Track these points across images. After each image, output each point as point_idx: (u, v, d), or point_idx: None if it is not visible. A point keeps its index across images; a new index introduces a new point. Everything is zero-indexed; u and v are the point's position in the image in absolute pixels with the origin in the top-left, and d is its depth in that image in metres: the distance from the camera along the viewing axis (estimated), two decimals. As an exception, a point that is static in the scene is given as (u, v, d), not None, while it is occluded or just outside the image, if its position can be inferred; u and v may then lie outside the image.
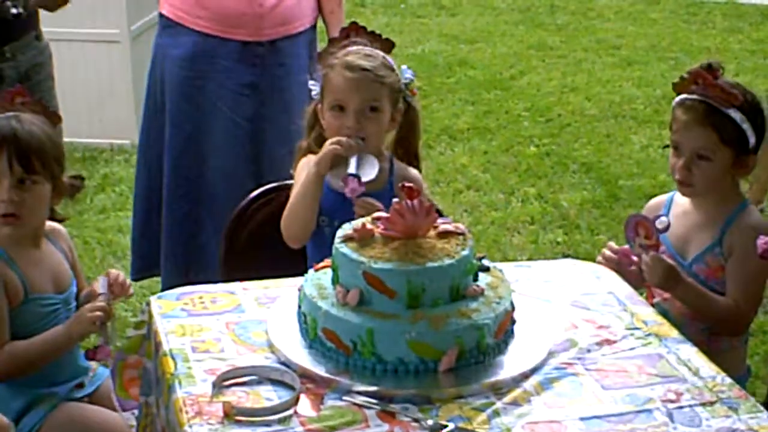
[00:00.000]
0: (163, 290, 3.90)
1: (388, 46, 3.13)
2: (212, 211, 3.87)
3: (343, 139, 2.96)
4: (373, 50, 3.08)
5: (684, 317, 2.90)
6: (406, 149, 3.19)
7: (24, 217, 2.86)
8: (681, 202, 3.08)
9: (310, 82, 3.17)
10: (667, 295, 2.95)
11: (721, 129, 2.91)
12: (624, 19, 9.41)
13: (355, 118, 3.00)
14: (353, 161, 2.94)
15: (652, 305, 2.83)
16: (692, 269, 2.96)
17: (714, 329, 2.94)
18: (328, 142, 2.98)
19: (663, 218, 2.86)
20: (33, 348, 2.85)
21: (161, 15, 3.98)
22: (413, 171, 3.15)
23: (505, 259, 4.79)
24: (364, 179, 2.93)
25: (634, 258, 2.88)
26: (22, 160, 2.82)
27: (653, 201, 3.21)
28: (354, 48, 3.07)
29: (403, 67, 3.14)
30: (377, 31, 3.15)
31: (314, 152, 3.05)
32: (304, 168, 3.05)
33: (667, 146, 3.09)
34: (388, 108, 3.05)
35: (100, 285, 2.89)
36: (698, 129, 2.92)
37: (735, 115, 2.90)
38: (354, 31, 3.12)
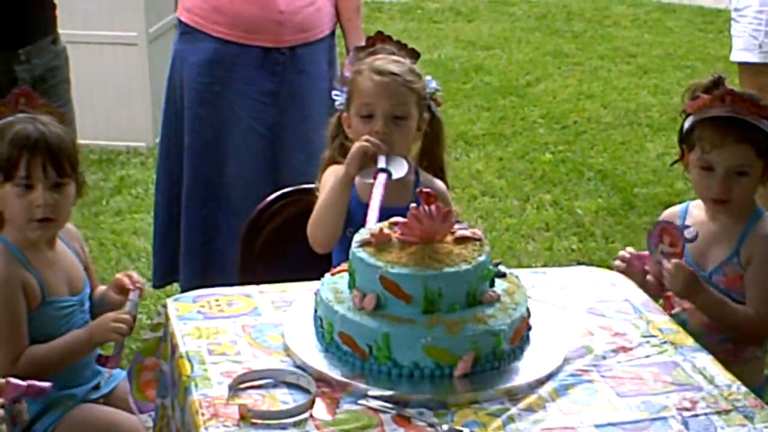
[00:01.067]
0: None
1: (414, 55, 3.13)
2: (230, 216, 3.87)
3: (372, 138, 2.95)
4: (400, 57, 3.08)
5: (703, 328, 2.89)
6: (431, 161, 3.17)
7: (58, 220, 2.89)
8: (696, 213, 3.07)
9: (334, 93, 3.14)
10: (686, 305, 2.93)
11: (755, 142, 2.90)
12: (640, 27, 9.41)
13: (384, 123, 2.99)
14: (382, 159, 2.93)
15: (671, 316, 2.82)
16: (712, 280, 2.95)
17: (736, 339, 2.93)
18: (356, 143, 2.97)
19: (691, 229, 2.86)
20: (53, 353, 2.86)
21: (180, 21, 3.98)
22: (439, 183, 3.14)
23: (520, 266, 4.79)
24: (394, 176, 2.91)
25: (646, 266, 2.88)
26: (55, 164, 2.83)
27: (667, 212, 3.19)
28: (382, 55, 3.07)
29: (428, 77, 3.13)
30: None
31: (338, 162, 3.05)
32: (330, 177, 3.04)
33: (676, 162, 3.08)
34: (415, 115, 3.04)
35: (131, 300, 2.91)
36: (734, 147, 2.90)
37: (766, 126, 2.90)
38: (380, 41, 3.12)
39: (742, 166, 2.91)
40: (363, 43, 3.18)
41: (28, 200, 2.83)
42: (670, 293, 2.99)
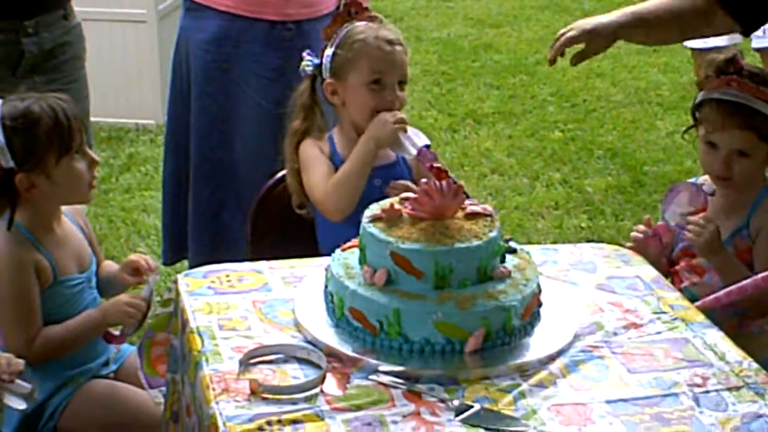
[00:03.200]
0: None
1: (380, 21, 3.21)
2: (237, 192, 3.86)
3: (403, 116, 3.03)
4: (380, 22, 3.16)
5: (712, 301, 2.90)
6: None
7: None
8: (706, 186, 3.07)
9: (305, 60, 3.17)
10: (695, 279, 2.95)
11: (758, 128, 2.91)
12: (650, 5, 9.36)
13: (393, 92, 3.07)
14: (412, 133, 3.02)
15: (680, 290, 2.83)
16: None
17: (744, 312, 2.94)
18: (381, 119, 3.02)
19: (707, 184, 2.87)
20: (68, 334, 2.87)
21: (185, -3, 3.97)
22: (423, 135, 3.21)
23: (530, 244, 4.76)
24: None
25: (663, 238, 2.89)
26: (88, 140, 2.87)
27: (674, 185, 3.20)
28: (374, 24, 3.13)
29: None
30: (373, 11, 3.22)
31: (311, 135, 3.14)
32: (313, 152, 3.11)
33: (687, 130, 3.09)
34: (408, 79, 3.15)
35: (148, 285, 2.92)
36: (736, 131, 2.92)
37: None
38: (354, 7, 3.16)
39: (743, 148, 2.92)
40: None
41: (86, 167, 2.87)
42: (677, 268, 3.00)
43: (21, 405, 2.51)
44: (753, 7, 2.93)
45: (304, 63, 3.17)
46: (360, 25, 3.11)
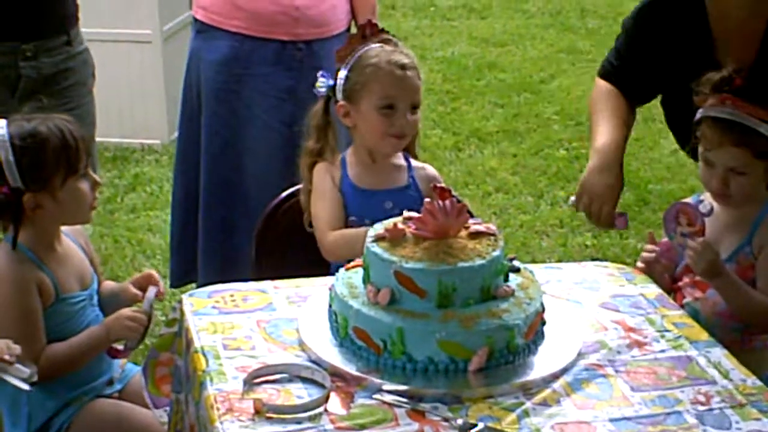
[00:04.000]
0: (198, 291, 3.94)
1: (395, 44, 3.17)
2: (247, 214, 3.87)
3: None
4: (395, 45, 3.13)
5: (716, 317, 2.90)
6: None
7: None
8: (708, 202, 3.07)
9: (319, 81, 3.17)
10: (698, 294, 2.95)
11: (753, 145, 2.91)
12: (654, 23, 9.38)
13: (405, 117, 3.06)
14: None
15: (682, 306, 2.83)
16: None
17: (748, 328, 2.94)
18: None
19: (706, 202, 2.87)
20: (72, 351, 2.87)
21: (195, 19, 3.98)
22: (430, 168, 3.24)
23: (534, 262, 4.78)
24: None
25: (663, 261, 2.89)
26: (93, 164, 2.89)
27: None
28: (388, 47, 3.10)
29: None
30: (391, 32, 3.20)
31: (324, 158, 3.12)
32: (324, 180, 3.09)
33: (690, 149, 3.10)
34: (421, 103, 3.13)
35: (147, 298, 2.91)
36: (731, 149, 2.92)
37: (766, 130, 2.90)
38: (369, 29, 3.14)
39: (738, 167, 2.93)
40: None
41: (89, 188, 2.87)
42: (679, 284, 3.01)
43: (24, 386, 2.53)
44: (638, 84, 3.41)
45: (318, 84, 3.16)
46: (374, 47, 3.10)
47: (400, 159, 3.16)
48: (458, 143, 6.50)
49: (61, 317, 2.88)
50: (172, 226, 4.19)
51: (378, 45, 3.11)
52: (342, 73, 3.10)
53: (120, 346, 2.91)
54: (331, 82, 3.13)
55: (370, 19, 3.26)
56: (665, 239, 3.00)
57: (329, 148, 3.15)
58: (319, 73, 3.18)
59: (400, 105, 3.05)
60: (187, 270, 4.11)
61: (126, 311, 2.90)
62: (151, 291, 2.93)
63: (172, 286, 4.16)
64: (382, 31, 3.17)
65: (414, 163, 3.19)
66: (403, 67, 3.05)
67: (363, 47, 3.10)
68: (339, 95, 3.11)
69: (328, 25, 3.90)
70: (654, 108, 7.22)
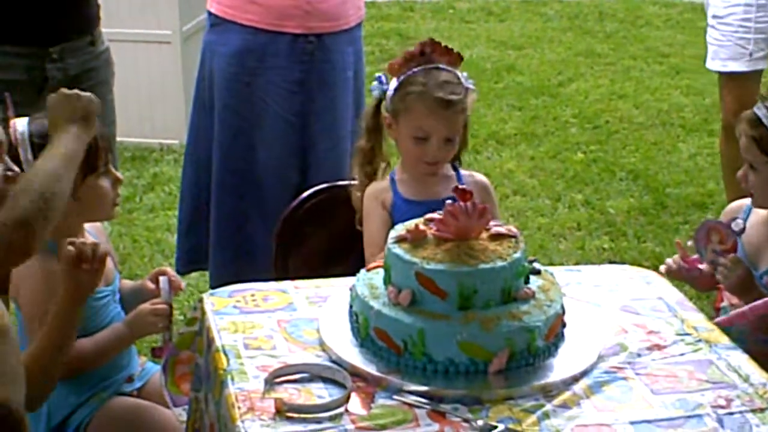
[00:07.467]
0: (211, 281, 3.96)
1: (459, 60, 3.13)
2: (260, 203, 3.90)
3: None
4: (452, 72, 3.08)
5: (746, 326, 2.89)
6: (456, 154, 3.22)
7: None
8: (759, 211, 3.07)
9: (374, 83, 3.17)
10: (735, 300, 2.94)
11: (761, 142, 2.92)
12: (673, 27, 9.37)
13: (438, 148, 3.06)
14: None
15: (718, 309, 2.82)
16: (762, 280, 2.95)
17: None
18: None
19: (739, 221, 2.88)
20: (98, 348, 2.88)
21: (209, 13, 4.01)
22: (480, 176, 3.25)
23: (552, 265, 4.77)
24: None
25: (702, 267, 2.89)
26: (114, 162, 2.90)
27: (733, 205, 3.21)
28: (438, 75, 3.06)
29: (464, 74, 3.13)
30: (450, 46, 3.14)
31: (376, 157, 3.15)
32: (374, 206, 3.11)
33: None
34: (462, 130, 3.13)
35: (162, 288, 2.92)
36: (746, 142, 2.94)
37: None
38: (429, 47, 3.11)
39: (748, 160, 2.95)
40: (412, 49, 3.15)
41: (110, 185, 2.91)
42: (721, 286, 3.00)
43: None
44: None
45: (373, 83, 3.17)
46: (427, 73, 3.05)
47: (448, 170, 3.17)
48: (476, 146, 6.50)
49: (86, 312, 2.89)
50: (180, 213, 4.21)
51: (433, 68, 3.07)
52: (393, 85, 3.10)
53: (157, 344, 2.93)
54: (385, 87, 3.12)
55: (432, 38, 3.20)
56: (695, 256, 2.99)
57: (380, 148, 3.18)
58: (377, 75, 3.18)
59: (434, 138, 3.06)
60: (194, 258, 4.13)
61: (145, 307, 2.91)
62: (163, 281, 2.94)
63: (179, 272, 4.16)
64: (448, 50, 3.11)
65: (462, 171, 3.20)
66: (447, 104, 3.03)
67: (416, 67, 3.07)
68: (387, 105, 3.12)
69: (338, 20, 3.92)
70: (673, 112, 7.25)
